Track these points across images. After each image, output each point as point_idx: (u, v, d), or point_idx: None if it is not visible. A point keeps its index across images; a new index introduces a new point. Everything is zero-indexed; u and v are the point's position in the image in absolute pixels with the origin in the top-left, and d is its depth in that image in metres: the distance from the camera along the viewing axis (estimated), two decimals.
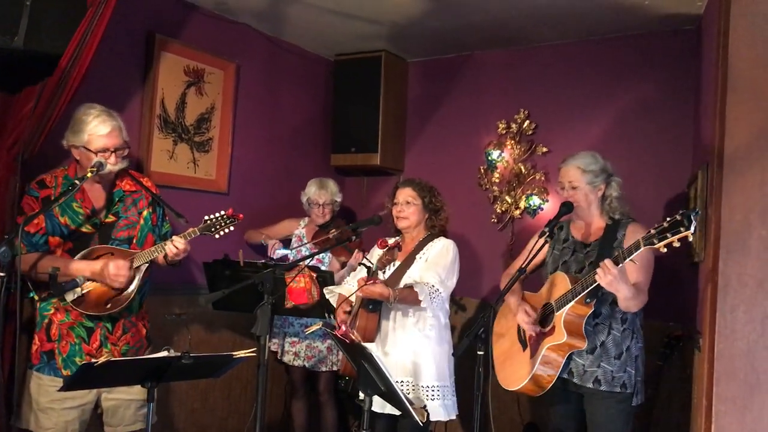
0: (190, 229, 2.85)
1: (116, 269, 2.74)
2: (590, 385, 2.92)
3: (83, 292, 2.75)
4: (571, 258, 3.09)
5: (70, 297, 2.73)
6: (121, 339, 2.92)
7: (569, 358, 2.92)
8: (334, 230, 4.03)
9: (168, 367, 2.40)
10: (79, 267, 2.76)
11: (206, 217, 2.89)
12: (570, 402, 3.08)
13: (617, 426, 2.94)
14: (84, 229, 2.85)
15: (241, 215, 2.91)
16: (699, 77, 3.72)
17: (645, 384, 3.04)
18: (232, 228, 2.90)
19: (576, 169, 3.05)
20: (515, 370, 3.04)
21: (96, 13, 2.88)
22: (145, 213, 2.99)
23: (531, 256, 2.94)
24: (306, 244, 4.14)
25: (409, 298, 3.09)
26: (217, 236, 2.88)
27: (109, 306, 2.79)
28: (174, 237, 2.82)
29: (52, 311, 2.83)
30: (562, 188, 3.11)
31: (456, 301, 4.54)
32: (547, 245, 3.13)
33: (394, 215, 3.41)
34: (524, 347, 3.04)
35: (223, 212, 2.88)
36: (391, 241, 3.39)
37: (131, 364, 2.49)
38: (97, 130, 2.75)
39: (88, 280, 2.76)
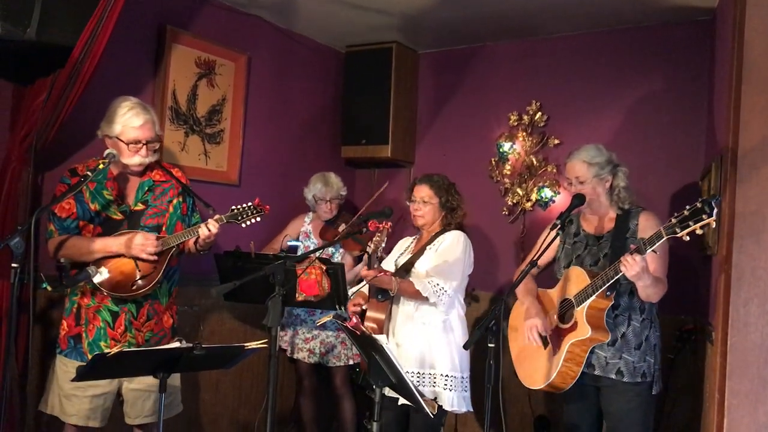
0: (218, 216, 2.91)
1: (144, 239, 2.80)
2: (612, 376, 2.92)
3: (108, 275, 2.76)
4: (584, 252, 3.08)
5: (97, 279, 2.75)
6: (146, 325, 2.94)
7: (590, 351, 2.91)
8: (343, 225, 4.00)
9: (180, 358, 2.42)
10: (106, 242, 2.80)
11: (233, 207, 2.96)
12: (585, 397, 3.06)
13: (637, 417, 2.94)
14: (113, 216, 2.89)
15: (267, 207, 2.99)
16: (713, 69, 3.68)
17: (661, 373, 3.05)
18: (258, 219, 2.97)
19: (581, 163, 3.04)
20: (537, 368, 3.02)
21: (108, 4, 2.89)
22: (174, 202, 3.03)
23: (543, 248, 2.89)
24: (326, 246, 4.01)
25: (410, 290, 3.19)
26: (243, 225, 2.96)
27: (135, 287, 2.82)
28: (208, 220, 2.89)
29: (79, 296, 2.86)
30: (570, 184, 3.10)
31: (467, 293, 4.52)
32: (557, 240, 3.11)
33: (411, 213, 3.44)
34: (545, 345, 3.01)
35: (250, 203, 2.97)
36: (380, 224, 3.39)
37: (143, 355, 2.50)
38: (131, 122, 2.80)
39: (110, 257, 2.78)
